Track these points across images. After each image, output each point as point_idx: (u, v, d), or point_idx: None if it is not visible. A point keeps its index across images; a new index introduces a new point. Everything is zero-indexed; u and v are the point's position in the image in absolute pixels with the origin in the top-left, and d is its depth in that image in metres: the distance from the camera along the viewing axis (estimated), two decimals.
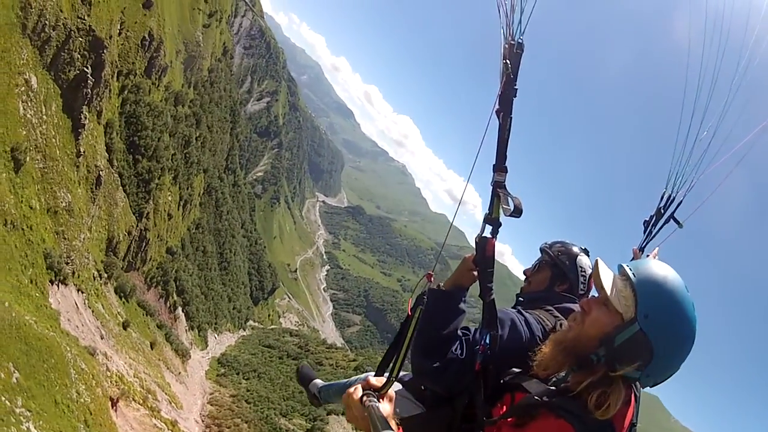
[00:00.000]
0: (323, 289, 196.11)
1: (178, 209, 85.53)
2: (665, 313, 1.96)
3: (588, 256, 3.45)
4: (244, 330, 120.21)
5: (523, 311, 2.86)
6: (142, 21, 52.68)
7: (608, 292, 2.03)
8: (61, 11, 33.50)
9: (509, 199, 2.20)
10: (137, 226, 68.81)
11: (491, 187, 2.24)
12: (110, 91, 47.96)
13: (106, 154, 53.44)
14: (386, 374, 2.04)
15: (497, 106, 2.18)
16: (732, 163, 3.38)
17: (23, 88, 31.52)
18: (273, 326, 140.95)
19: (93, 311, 47.21)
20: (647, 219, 3.73)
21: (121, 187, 61.40)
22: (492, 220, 2.27)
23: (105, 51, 39.83)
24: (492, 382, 2.46)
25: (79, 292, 44.48)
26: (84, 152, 41.67)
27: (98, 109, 44.47)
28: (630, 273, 2.03)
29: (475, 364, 2.48)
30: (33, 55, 33.26)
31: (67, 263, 40.18)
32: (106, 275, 55.93)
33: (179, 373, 73.57)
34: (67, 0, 34.79)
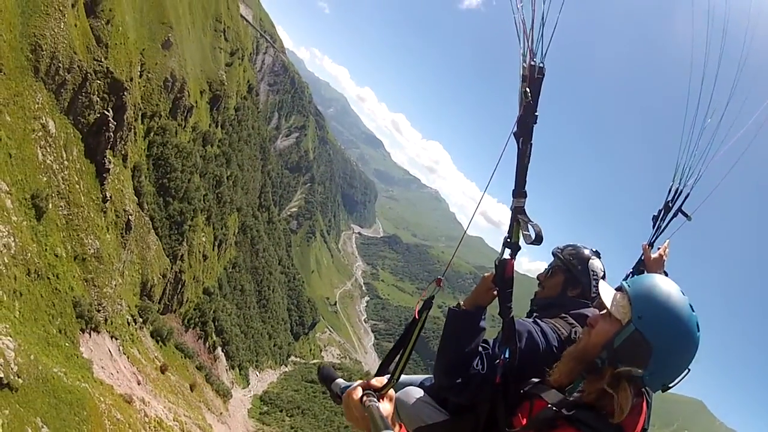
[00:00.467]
0: (364, 320, 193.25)
1: (213, 249, 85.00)
2: (657, 313, 2.18)
3: (599, 258, 3.50)
4: (286, 366, 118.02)
5: (539, 321, 2.96)
6: (162, 62, 52.67)
7: (609, 305, 2.31)
8: (75, 53, 32.87)
9: (529, 225, 2.31)
10: (171, 268, 68.21)
11: (511, 212, 2.36)
12: (135, 133, 47.60)
13: (135, 197, 52.87)
14: (387, 375, 2.07)
15: (516, 130, 2.27)
16: (740, 149, 3.39)
17: (40, 134, 30.75)
18: (315, 360, 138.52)
19: (128, 357, 45.84)
20: (656, 214, 3.91)
21: (153, 230, 60.83)
22: (511, 244, 2.40)
23: (126, 93, 39.32)
24: (512, 392, 2.59)
25: (113, 339, 43.19)
26: (111, 197, 40.85)
27: (123, 152, 43.87)
28: (626, 285, 2.30)
29: (495, 377, 2.64)
30: (49, 99, 32.62)
31: (98, 311, 38.98)
32: (141, 320, 54.87)
33: (221, 413, 71.68)
34: (81, 42, 34.25)
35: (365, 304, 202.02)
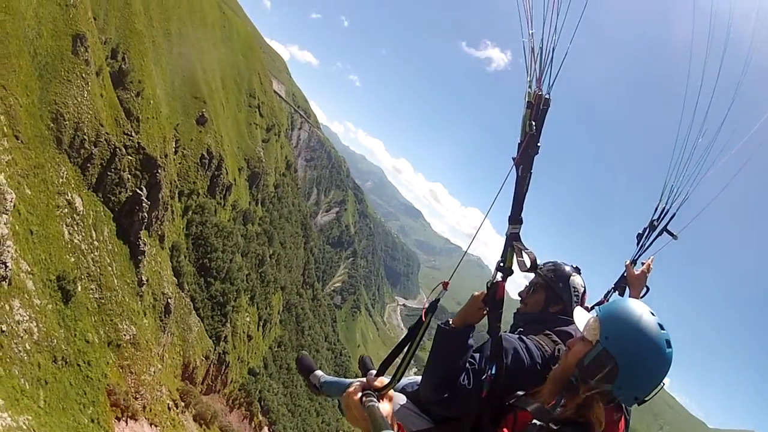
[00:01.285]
0: None
1: (258, 329, 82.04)
2: (623, 332, 2.31)
3: (580, 274, 3.50)
4: None
5: (524, 338, 3.01)
6: (198, 138, 51.82)
7: (582, 329, 2.47)
8: (102, 126, 31.52)
9: (524, 253, 2.43)
10: (215, 349, 65.26)
11: (506, 238, 2.46)
12: (172, 212, 46.22)
13: (174, 278, 50.81)
14: (388, 376, 2.07)
15: (516, 157, 2.35)
16: (732, 170, 3.48)
17: (66, 210, 28.96)
18: None
19: None
20: (640, 232, 3.93)
21: (194, 312, 58.55)
22: (504, 269, 2.50)
23: (161, 170, 38.02)
24: (497, 404, 2.65)
25: (152, 426, 39.53)
26: (147, 280, 38.70)
27: (160, 232, 42.22)
28: (598, 310, 2.45)
29: (481, 392, 2.67)
30: (74, 174, 31.12)
31: (135, 398, 35.75)
32: (183, 404, 51.24)
33: None
34: (108, 114, 32.94)
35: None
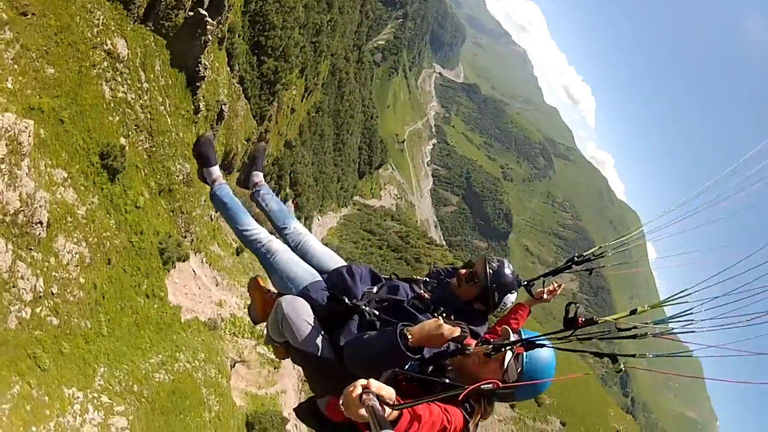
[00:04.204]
0: (427, 162, 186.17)
1: (302, 101, 75.20)
2: (531, 389, 2.78)
3: (516, 291, 3.50)
4: (347, 207, 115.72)
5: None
6: None
7: (505, 364, 2.77)
8: None
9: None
10: (257, 130, 60.15)
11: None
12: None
13: (228, 68, 42.44)
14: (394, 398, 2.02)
15: None
16: None
17: (105, 64, 20.16)
18: (373, 199, 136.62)
19: (209, 263, 40.78)
20: (572, 258, 3.85)
21: (242, 96, 51.37)
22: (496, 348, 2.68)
23: None
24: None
25: (196, 254, 37.49)
26: (204, 105, 31.05)
27: (219, 35, 32.43)
28: (525, 361, 2.78)
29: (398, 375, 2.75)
30: (113, 14, 21.14)
31: (185, 237, 32.36)
32: None
33: None
34: None
35: (431, 147, 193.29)
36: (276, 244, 3.73)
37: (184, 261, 32.24)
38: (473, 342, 2.69)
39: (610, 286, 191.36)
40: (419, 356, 2.69)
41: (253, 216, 4.06)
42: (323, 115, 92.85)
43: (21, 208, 12.44)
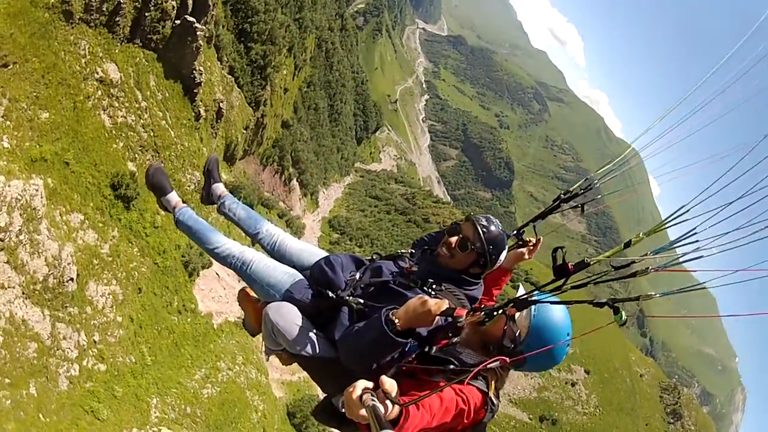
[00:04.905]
0: (422, 119, 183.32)
1: (293, 79, 73.06)
2: (541, 353, 2.58)
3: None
4: (350, 176, 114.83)
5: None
6: None
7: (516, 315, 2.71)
8: None
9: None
10: (254, 116, 58.70)
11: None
12: None
13: (218, 63, 41.13)
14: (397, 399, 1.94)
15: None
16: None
17: (99, 93, 19.23)
18: (374, 163, 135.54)
19: None
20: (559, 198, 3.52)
21: (235, 86, 49.89)
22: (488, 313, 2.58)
23: None
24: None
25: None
26: (204, 109, 30.06)
27: (207, 34, 31.02)
28: (533, 312, 2.69)
29: (401, 361, 2.71)
30: (98, 40, 19.90)
31: None
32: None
33: None
34: None
35: (424, 103, 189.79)
36: (249, 254, 3.59)
37: (208, 268, 32.07)
38: (464, 312, 2.50)
39: (617, 225, 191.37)
40: (411, 339, 2.56)
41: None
42: (315, 89, 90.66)
43: (50, 272, 12.00)
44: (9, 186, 11.17)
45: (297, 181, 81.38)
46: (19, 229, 11.17)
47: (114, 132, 20.64)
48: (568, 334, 2.63)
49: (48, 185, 15.03)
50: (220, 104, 37.40)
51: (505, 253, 3.22)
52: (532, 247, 3.63)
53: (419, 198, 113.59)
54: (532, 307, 2.62)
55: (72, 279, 13.32)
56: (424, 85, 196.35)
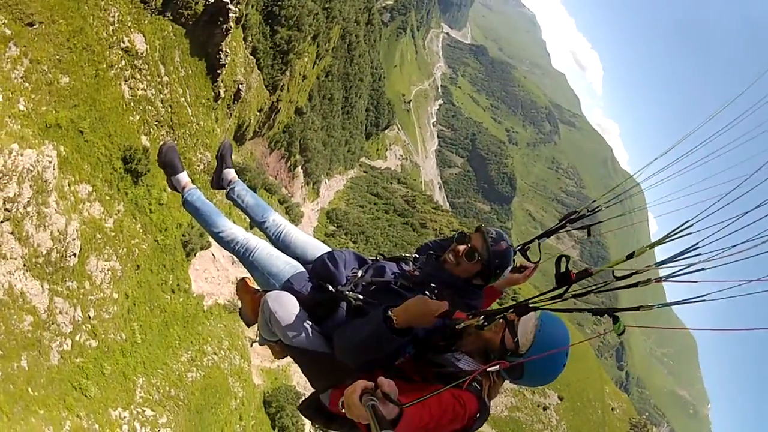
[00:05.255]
0: (432, 123, 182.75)
1: (313, 67, 72.46)
2: (543, 363, 2.48)
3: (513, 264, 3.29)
4: (353, 169, 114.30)
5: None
6: None
7: (519, 332, 2.59)
8: None
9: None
10: (269, 100, 58.18)
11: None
12: None
13: (243, 42, 40.71)
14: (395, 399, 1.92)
15: None
16: None
17: (123, 63, 18.83)
18: (379, 160, 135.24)
19: None
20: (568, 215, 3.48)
21: (256, 67, 49.38)
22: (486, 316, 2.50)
23: None
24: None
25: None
26: (224, 90, 29.64)
27: (237, 15, 30.58)
28: (539, 324, 2.57)
29: (397, 359, 2.65)
30: (129, 8, 19.53)
31: None
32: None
33: None
34: None
35: (437, 107, 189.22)
36: (254, 241, 3.58)
37: (206, 249, 31.74)
38: (463, 315, 2.51)
39: (610, 255, 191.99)
40: (408, 338, 2.53)
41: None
42: (333, 80, 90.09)
43: (54, 246, 11.68)
44: (22, 156, 10.83)
45: (302, 168, 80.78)
46: (28, 201, 10.84)
47: (132, 104, 20.25)
48: (566, 354, 2.60)
49: (60, 153, 14.65)
50: (240, 85, 36.99)
51: (510, 269, 3.19)
52: (527, 273, 3.57)
53: (419, 202, 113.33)
54: (539, 320, 2.57)
55: (75, 254, 13.00)
56: (439, 90, 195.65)
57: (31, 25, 14.69)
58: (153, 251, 22.00)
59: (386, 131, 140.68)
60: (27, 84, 14.37)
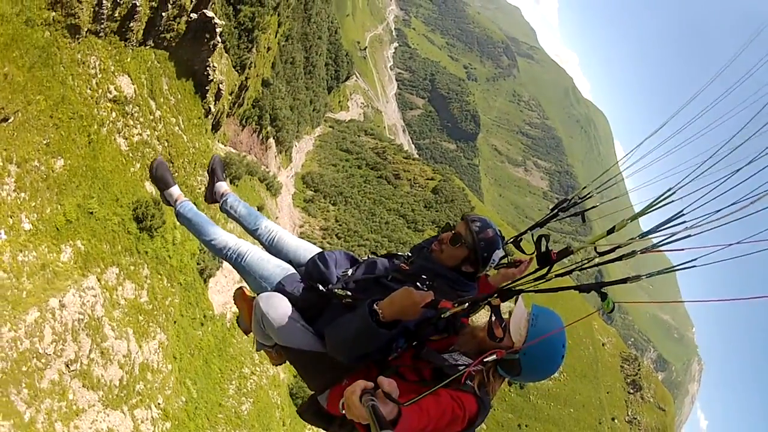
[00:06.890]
0: (390, 67, 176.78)
1: (275, 36, 67.51)
2: (540, 357, 2.41)
3: (501, 247, 3.15)
4: (320, 126, 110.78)
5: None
6: None
7: (512, 327, 2.48)
8: None
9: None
10: (239, 80, 54.18)
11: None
12: None
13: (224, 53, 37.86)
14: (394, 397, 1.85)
15: None
16: None
17: (114, 115, 16.53)
18: (342, 112, 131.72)
19: None
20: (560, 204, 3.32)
21: (224, 52, 45.45)
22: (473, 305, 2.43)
23: None
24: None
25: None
26: (214, 108, 27.10)
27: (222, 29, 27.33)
28: (533, 319, 2.44)
29: (389, 355, 2.59)
30: (110, 52, 16.81)
31: None
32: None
33: (276, 217, 67.55)
34: None
35: (393, 51, 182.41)
36: (245, 247, 3.54)
37: (219, 269, 30.36)
38: (449, 304, 2.42)
39: (593, 226, 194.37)
40: (396, 330, 2.48)
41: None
42: (293, 42, 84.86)
43: (124, 372, 10.45)
44: (65, 309, 9.23)
45: (273, 138, 77.46)
46: (89, 349, 9.45)
47: (131, 154, 18.15)
48: (563, 346, 2.49)
49: (79, 250, 12.87)
50: (220, 85, 34.24)
51: (499, 253, 3.06)
52: (523, 267, 3.41)
53: (390, 153, 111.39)
54: (532, 314, 2.47)
55: (139, 363, 11.76)
56: (394, 33, 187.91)
57: (5, 120, 12.26)
58: (181, 297, 20.67)
59: (345, 81, 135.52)
60: (23, 194, 12.31)
